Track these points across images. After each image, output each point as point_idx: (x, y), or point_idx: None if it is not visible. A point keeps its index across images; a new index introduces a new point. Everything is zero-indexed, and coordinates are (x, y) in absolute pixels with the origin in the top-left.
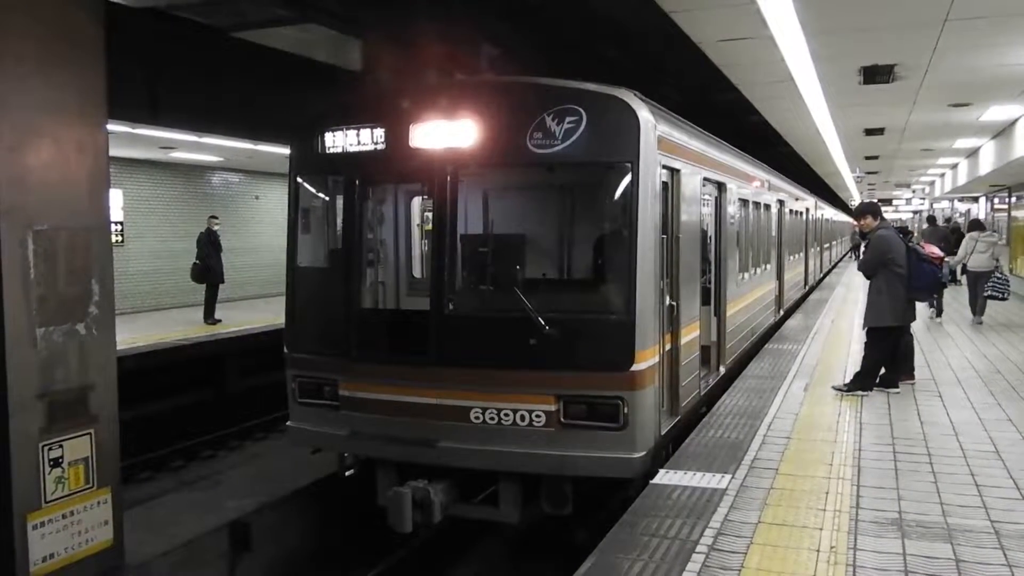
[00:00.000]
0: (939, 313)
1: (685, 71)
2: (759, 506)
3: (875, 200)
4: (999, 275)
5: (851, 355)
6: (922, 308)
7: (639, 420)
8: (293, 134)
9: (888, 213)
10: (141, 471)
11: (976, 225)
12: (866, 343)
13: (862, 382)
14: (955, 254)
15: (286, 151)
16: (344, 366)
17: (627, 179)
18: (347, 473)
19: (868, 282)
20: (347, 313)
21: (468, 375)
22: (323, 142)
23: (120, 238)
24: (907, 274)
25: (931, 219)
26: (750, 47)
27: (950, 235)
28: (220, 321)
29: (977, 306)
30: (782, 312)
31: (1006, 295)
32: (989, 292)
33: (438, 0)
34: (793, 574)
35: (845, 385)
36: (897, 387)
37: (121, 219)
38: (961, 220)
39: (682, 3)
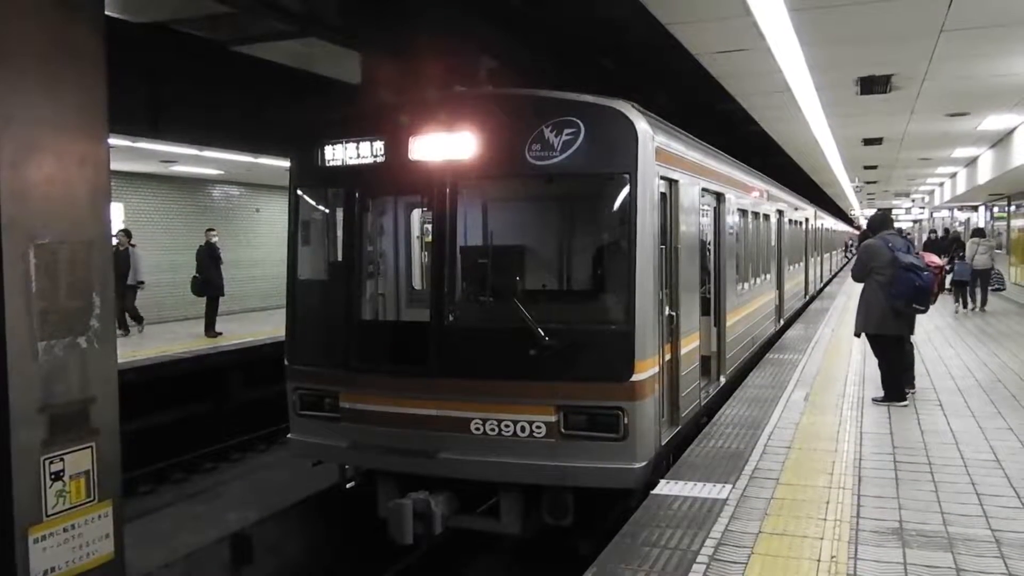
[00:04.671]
0: (968, 302)
1: (683, 82)
2: (760, 516)
3: (882, 211)
4: (996, 272)
5: (852, 365)
6: (935, 311)
7: (639, 430)
8: (293, 147)
9: None
10: (143, 484)
11: (979, 232)
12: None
13: (889, 394)
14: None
15: (286, 164)
16: (344, 378)
17: (625, 190)
18: (348, 485)
19: None
20: (347, 325)
21: (468, 386)
22: (323, 155)
23: None
24: (888, 282)
25: (899, 231)
26: (747, 58)
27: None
28: (221, 334)
29: (979, 298)
30: (782, 322)
31: (1004, 286)
32: (995, 286)
33: (438, 14)
34: None
35: (881, 397)
36: (906, 401)
37: None
38: (961, 229)
39: (680, 16)
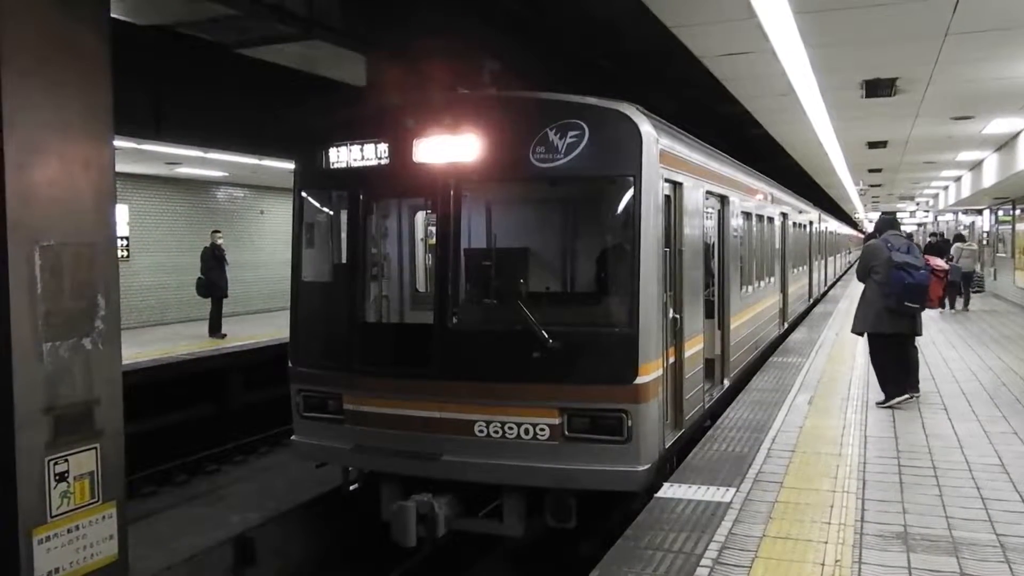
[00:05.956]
0: (964, 304)
1: (687, 84)
2: (764, 520)
3: (887, 215)
4: (978, 275)
5: (856, 368)
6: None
7: (643, 433)
8: (297, 149)
9: None
10: (145, 485)
11: (959, 238)
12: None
13: (887, 391)
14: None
15: (290, 166)
16: (348, 380)
17: (629, 193)
18: (351, 487)
19: None
20: (351, 327)
21: (472, 388)
22: (327, 157)
23: (126, 253)
24: (883, 281)
25: (909, 236)
26: (751, 61)
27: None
28: (226, 336)
29: (963, 299)
30: (786, 325)
31: (982, 288)
32: (975, 288)
33: (441, 16)
34: None
35: (883, 400)
36: (904, 395)
37: (127, 234)
38: (965, 232)
39: (683, 18)
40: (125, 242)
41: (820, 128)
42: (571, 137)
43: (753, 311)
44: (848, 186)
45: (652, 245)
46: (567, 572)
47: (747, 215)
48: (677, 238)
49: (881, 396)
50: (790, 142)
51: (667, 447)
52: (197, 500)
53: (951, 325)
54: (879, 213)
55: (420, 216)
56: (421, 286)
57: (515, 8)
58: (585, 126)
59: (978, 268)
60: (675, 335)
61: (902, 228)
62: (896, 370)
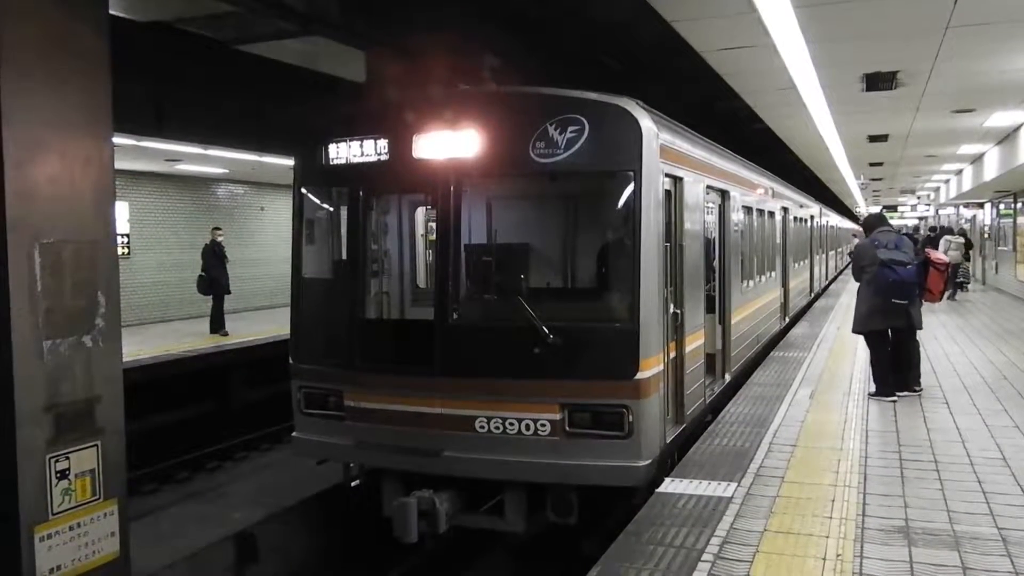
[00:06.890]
0: (952, 295)
1: (688, 80)
2: (765, 514)
3: (876, 212)
4: (964, 268)
5: (857, 362)
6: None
7: (644, 428)
8: (297, 146)
9: (893, 220)
10: (147, 483)
11: (948, 231)
12: None
13: (878, 388)
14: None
15: (290, 162)
16: (349, 376)
17: (630, 188)
18: (353, 483)
19: None
20: (352, 323)
21: (473, 385)
22: (327, 153)
23: (126, 250)
24: (871, 279)
25: (912, 231)
26: (752, 55)
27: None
28: (228, 334)
29: (951, 291)
30: (787, 319)
31: (969, 281)
32: (960, 279)
33: (441, 12)
34: None
35: (873, 391)
36: (893, 396)
37: (127, 231)
38: (967, 227)
39: (684, 12)
40: (125, 239)
41: (821, 122)
42: (571, 132)
43: (754, 306)
44: (849, 180)
45: (652, 240)
46: (568, 568)
47: (748, 210)
48: (678, 233)
49: (875, 387)
50: (791, 136)
51: (668, 442)
52: (198, 497)
53: (952, 319)
54: (880, 208)
55: (420, 212)
56: (422, 282)
57: (516, 3)
58: (585, 121)
59: (965, 263)
60: (676, 330)
61: (905, 224)
62: (891, 370)
